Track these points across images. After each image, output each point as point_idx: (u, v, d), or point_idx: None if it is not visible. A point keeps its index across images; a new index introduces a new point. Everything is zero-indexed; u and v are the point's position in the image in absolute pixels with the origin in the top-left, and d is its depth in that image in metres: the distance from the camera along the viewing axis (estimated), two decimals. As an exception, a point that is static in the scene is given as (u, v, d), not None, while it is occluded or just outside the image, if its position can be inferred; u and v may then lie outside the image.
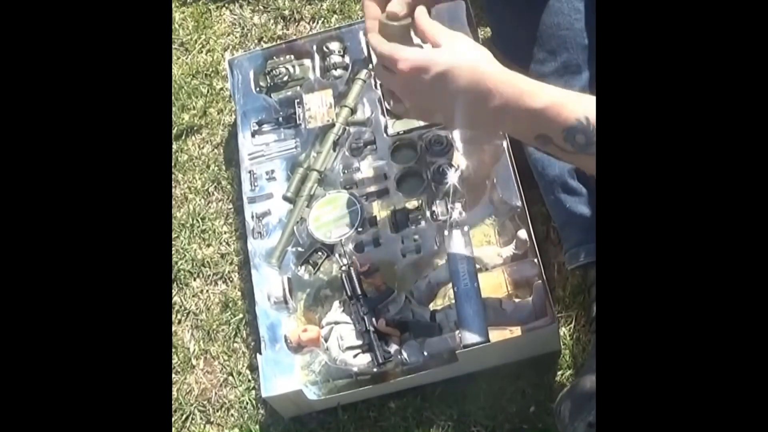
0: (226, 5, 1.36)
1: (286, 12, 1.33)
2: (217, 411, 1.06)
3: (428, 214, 1.03)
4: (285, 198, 1.08)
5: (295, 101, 1.15)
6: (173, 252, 1.15)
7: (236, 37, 1.33)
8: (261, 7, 1.35)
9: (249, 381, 1.07)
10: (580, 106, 0.75)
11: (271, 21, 1.33)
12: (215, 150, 1.24)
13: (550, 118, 0.76)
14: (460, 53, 0.79)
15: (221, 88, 1.28)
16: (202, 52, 1.32)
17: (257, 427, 1.04)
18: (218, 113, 1.27)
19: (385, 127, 1.09)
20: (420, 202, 1.04)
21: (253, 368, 1.06)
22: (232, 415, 1.05)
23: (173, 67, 1.30)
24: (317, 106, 1.14)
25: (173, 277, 1.14)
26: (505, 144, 1.04)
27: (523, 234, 0.98)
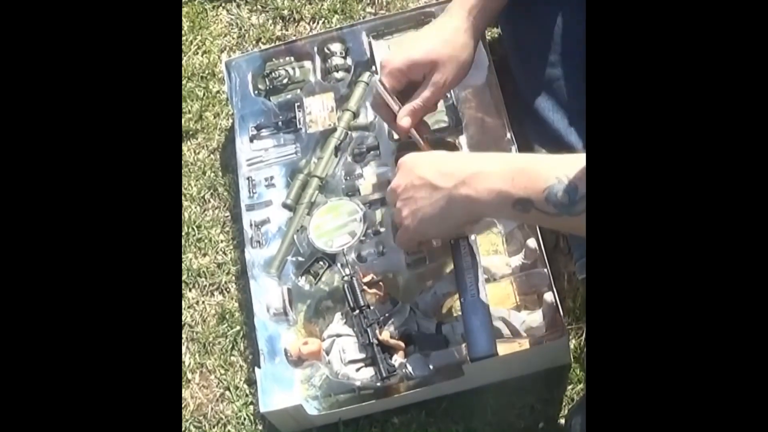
0: (223, 5, 1.36)
1: (285, 12, 1.33)
2: (214, 427, 1.06)
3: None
4: (284, 205, 1.09)
5: (295, 105, 1.16)
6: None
7: (233, 38, 1.34)
8: (259, 7, 1.35)
9: (247, 395, 1.07)
10: (556, 166, 0.76)
11: (270, 21, 1.33)
12: (211, 155, 1.24)
13: (529, 178, 0.77)
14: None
15: (218, 91, 1.28)
16: (197, 53, 1.33)
17: (255, 443, 1.04)
18: (215, 117, 1.27)
19: (389, 132, 1.09)
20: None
21: (251, 382, 1.06)
22: (229, 431, 1.05)
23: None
24: (318, 110, 1.14)
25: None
26: (513, 149, 1.05)
27: (532, 243, 0.98)
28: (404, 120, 0.96)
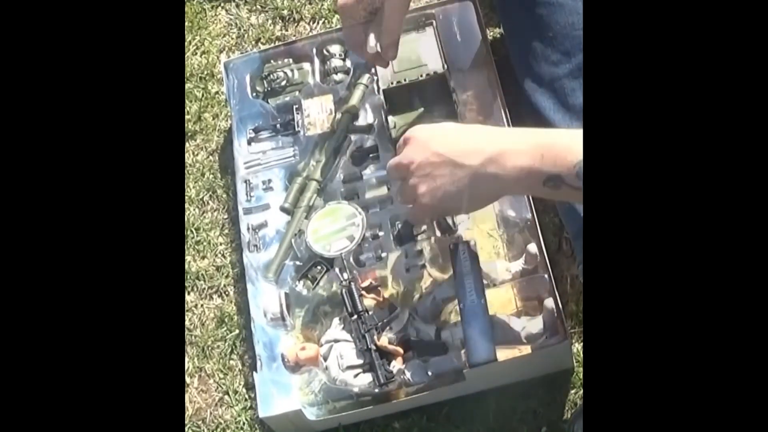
0: (222, 5, 1.36)
1: (285, 12, 1.33)
2: (213, 432, 1.07)
3: (433, 226, 1.03)
4: (282, 209, 1.09)
5: (294, 107, 1.15)
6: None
7: (232, 39, 1.33)
8: (258, 7, 1.34)
9: (246, 400, 1.07)
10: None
11: (269, 21, 1.33)
12: (210, 157, 1.24)
13: (558, 154, 0.75)
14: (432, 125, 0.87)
15: (216, 92, 1.28)
16: (196, 53, 1.32)
17: (254, 448, 1.04)
18: (213, 118, 1.27)
19: (389, 135, 1.09)
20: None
21: (250, 387, 1.06)
22: (227, 436, 1.06)
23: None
24: (317, 113, 1.14)
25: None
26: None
27: (533, 248, 0.98)
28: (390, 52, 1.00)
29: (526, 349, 0.95)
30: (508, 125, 1.07)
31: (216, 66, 1.30)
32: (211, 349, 1.11)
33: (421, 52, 1.14)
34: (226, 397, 1.08)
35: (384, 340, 0.96)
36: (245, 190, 1.12)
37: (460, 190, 0.82)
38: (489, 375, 0.93)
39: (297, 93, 1.16)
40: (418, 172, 0.84)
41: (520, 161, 0.78)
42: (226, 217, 1.19)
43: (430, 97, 1.10)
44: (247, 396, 1.07)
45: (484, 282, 0.95)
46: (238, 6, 1.35)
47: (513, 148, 0.78)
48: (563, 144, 0.76)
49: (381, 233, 1.05)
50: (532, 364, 0.96)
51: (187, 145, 1.25)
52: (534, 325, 0.96)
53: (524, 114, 1.06)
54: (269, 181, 1.12)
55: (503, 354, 0.92)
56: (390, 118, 1.09)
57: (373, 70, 1.14)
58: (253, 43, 1.32)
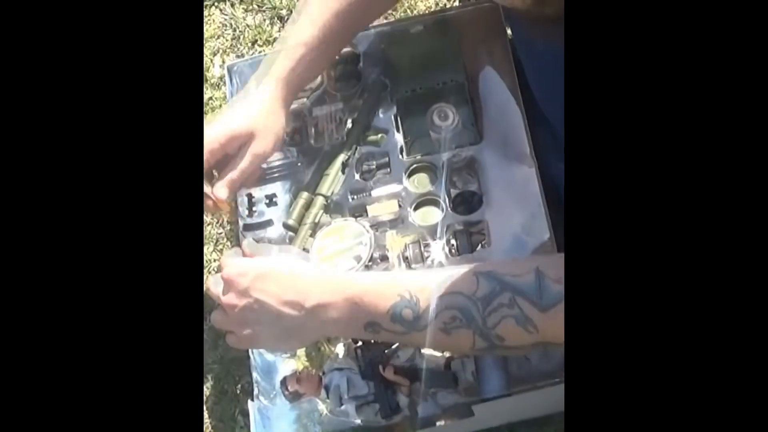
0: (216, 4, 1.37)
1: (284, 12, 1.33)
2: (206, 462, 1.08)
3: (446, 247, 1.04)
4: (286, 226, 1.09)
5: (301, 115, 1.16)
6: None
7: (227, 40, 1.34)
8: (255, 7, 1.35)
9: (242, 428, 1.09)
10: (400, 284, 0.86)
11: (267, 22, 1.34)
12: (205, 166, 1.25)
13: (371, 301, 0.86)
14: (274, 259, 0.94)
15: (210, 98, 1.29)
16: (188, 56, 1.33)
17: (249, 480, 1.06)
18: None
19: (401, 148, 1.10)
20: (438, 233, 1.05)
21: (246, 413, 1.07)
22: (221, 467, 1.08)
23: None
24: (325, 122, 1.15)
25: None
26: (533, 169, 1.06)
27: (552, 275, 0.99)
28: (221, 190, 1.02)
29: (543, 384, 0.96)
30: (527, 134, 1.07)
31: (209, 69, 1.30)
32: (205, 372, 1.13)
33: (439, 58, 1.15)
34: (221, 424, 1.09)
35: (390, 369, 0.97)
36: (247, 204, 1.13)
37: (282, 335, 0.91)
38: (501, 410, 0.94)
39: (305, 100, 1.17)
40: (240, 317, 0.90)
41: (336, 314, 0.87)
42: (220, 231, 1.20)
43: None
44: (243, 423, 1.09)
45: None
46: (233, 5, 1.36)
47: (330, 301, 0.87)
48: (375, 292, 0.86)
49: (391, 254, 1.05)
50: (549, 399, 0.97)
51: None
52: (551, 357, 0.97)
53: (538, 126, 1.07)
54: (273, 195, 1.13)
55: (518, 388, 0.94)
56: (403, 130, 1.10)
57: (386, 81, 1.15)
58: (250, 45, 1.32)
